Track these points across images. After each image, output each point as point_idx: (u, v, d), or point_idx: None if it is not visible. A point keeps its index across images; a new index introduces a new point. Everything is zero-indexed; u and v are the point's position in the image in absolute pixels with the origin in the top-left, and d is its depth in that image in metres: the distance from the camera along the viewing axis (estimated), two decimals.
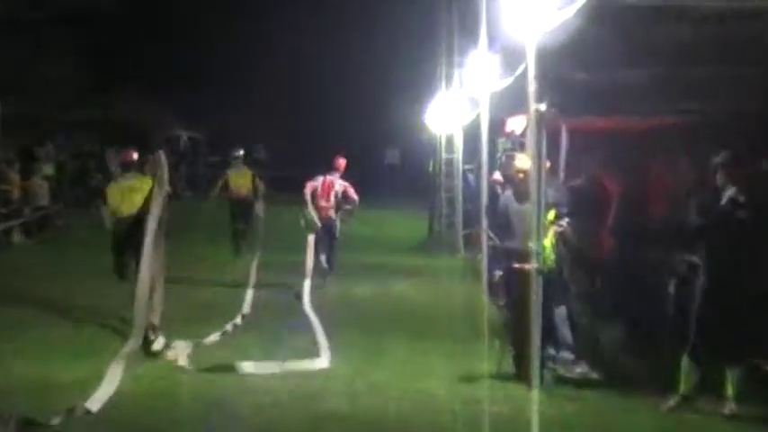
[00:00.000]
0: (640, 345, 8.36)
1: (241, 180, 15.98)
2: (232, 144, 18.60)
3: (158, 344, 8.72)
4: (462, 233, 16.47)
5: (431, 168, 20.64)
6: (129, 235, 9.52)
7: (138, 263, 8.98)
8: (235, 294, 11.77)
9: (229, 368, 7.94)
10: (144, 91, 29.26)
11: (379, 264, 15.30)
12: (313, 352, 8.59)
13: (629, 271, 9.04)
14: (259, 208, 15.90)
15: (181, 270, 12.24)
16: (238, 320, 10.12)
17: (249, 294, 11.82)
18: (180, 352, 8.52)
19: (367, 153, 31.15)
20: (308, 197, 12.95)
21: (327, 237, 12.99)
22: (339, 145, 16.20)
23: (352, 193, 13.09)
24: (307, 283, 12.25)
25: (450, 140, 18.21)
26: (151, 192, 9.25)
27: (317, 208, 12.89)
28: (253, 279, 12.99)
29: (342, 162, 13.21)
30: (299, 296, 11.73)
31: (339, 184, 13.02)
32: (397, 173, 34.04)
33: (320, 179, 13.00)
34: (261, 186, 16.18)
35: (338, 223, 13.15)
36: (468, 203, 15.76)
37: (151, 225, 8.97)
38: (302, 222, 12.91)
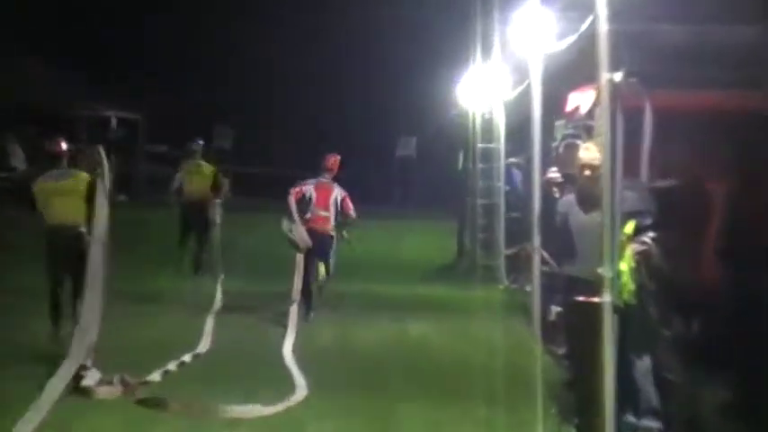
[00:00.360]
0: (755, 412, 8.31)
1: (197, 178, 16.54)
2: (183, 129, 18.71)
3: (90, 379, 9.06)
4: (505, 254, 16.41)
5: (460, 163, 20.58)
6: (67, 251, 9.91)
7: (77, 287, 9.39)
8: (190, 328, 11.97)
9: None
10: (55, 62, 29.44)
11: (391, 296, 15.39)
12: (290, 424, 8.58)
13: (743, 308, 8.98)
14: (216, 212, 16.48)
15: (123, 297, 12.41)
16: (187, 358, 10.37)
17: (209, 326, 12.16)
18: (112, 390, 8.96)
19: (371, 142, 31.27)
20: (294, 207, 13.38)
21: (320, 255, 13.56)
22: (333, 131, 16.32)
23: (349, 205, 13.64)
24: (292, 320, 12.47)
25: (488, 124, 18.20)
26: (92, 193, 9.64)
27: (311, 220, 13.42)
28: (216, 307, 13.34)
29: (334, 161, 13.76)
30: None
31: (338, 189, 13.61)
32: (411, 169, 34.10)
33: (311, 183, 13.58)
34: (225, 185, 16.86)
35: (334, 241, 13.67)
36: (514, 212, 15.91)
37: (97, 238, 9.46)
38: (289, 235, 13.49)
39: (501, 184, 17.04)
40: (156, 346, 10.95)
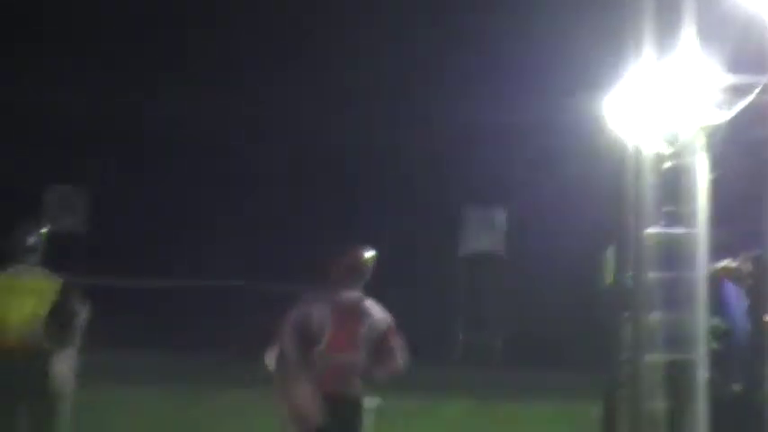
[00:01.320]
0: None
1: (18, 302, 9.27)
2: None
3: None
4: None
5: (609, 270, 11.04)
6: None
7: None
8: None
9: None
10: None
11: None
12: None
13: None
14: (63, 368, 9.28)
15: None
16: None
17: None
18: None
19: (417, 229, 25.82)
20: (291, 351, 8.40)
21: None
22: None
23: (396, 341, 8.53)
24: None
25: (671, 178, 8.72)
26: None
27: (323, 376, 8.31)
28: None
29: (366, 257, 8.68)
30: None
31: (375, 313, 8.51)
32: (491, 280, 23.46)
33: (321, 302, 8.48)
34: (78, 315, 9.62)
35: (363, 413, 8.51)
36: (736, 381, 9.39)
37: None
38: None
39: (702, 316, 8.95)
40: None
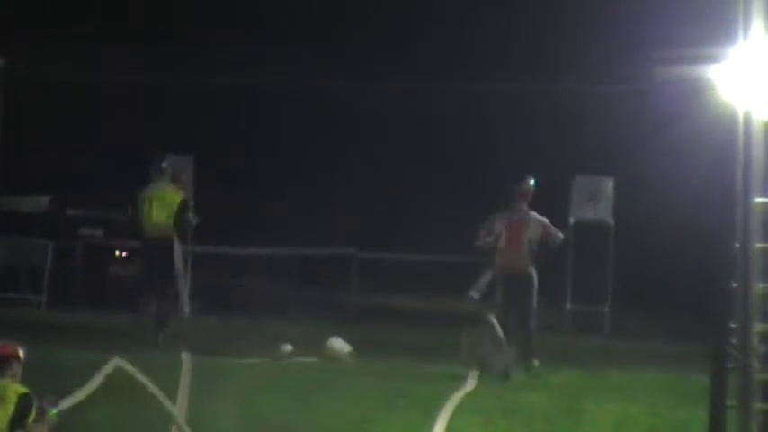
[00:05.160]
0: None
1: (158, 207, 15.74)
2: None
3: None
4: None
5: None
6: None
7: None
8: None
9: None
10: None
11: None
12: None
13: None
14: (178, 255, 15.89)
15: None
16: None
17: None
18: None
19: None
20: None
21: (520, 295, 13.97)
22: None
23: (552, 229, 14.14)
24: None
25: None
26: None
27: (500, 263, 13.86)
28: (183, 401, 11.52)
29: (531, 184, 14.01)
30: None
31: (535, 219, 13.92)
32: (599, 248, 22.43)
33: (499, 218, 13.92)
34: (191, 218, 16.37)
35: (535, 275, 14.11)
36: None
37: None
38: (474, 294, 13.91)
39: None
40: None
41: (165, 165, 16.16)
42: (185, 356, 14.98)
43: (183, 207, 16.08)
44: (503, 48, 27.44)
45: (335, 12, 29.04)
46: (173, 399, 12.26)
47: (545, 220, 14.34)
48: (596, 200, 22.04)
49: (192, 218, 16.63)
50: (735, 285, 8.90)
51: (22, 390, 8.76)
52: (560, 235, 14.29)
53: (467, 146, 28.62)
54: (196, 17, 28.73)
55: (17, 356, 9.05)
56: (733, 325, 8.90)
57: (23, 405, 8.68)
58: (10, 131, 21.62)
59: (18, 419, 8.68)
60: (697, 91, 10.69)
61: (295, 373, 14.89)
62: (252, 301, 21.37)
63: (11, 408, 8.67)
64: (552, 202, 20.41)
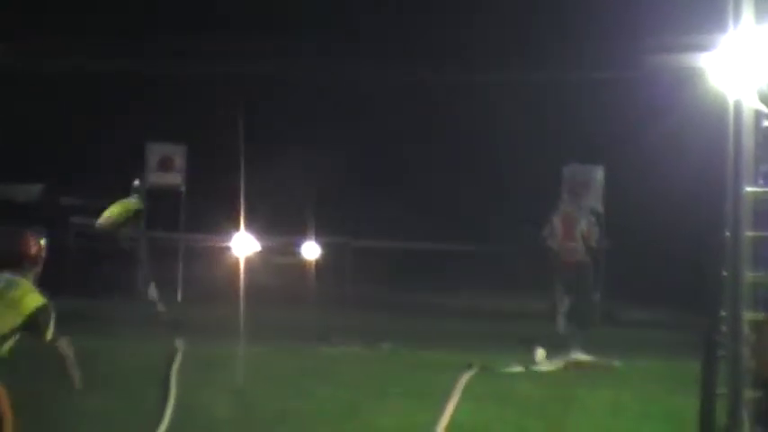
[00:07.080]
0: None
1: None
2: None
3: None
4: None
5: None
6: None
7: None
8: None
9: None
10: None
11: None
12: None
13: None
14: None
15: None
16: None
17: None
18: None
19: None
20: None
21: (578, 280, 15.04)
22: None
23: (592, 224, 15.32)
24: None
25: None
26: None
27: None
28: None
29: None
30: None
31: (585, 216, 15.30)
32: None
33: (556, 215, 15.15)
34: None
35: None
36: None
37: None
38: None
39: None
40: None
41: (136, 183, 19.94)
42: (179, 344, 15.00)
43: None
44: (491, 37, 27.49)
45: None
46: (165, 386, 12.25)
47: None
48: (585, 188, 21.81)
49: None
50: (725, 274, 8.88)
51: (39, 300, 8.08)
52: None
53: (456, 134, 28.74)
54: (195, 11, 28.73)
55: (28, 256, 8.30)
56: (723, 313, 8.89)
57: (38, 317, 7.95)
58: (4, 120, 21.65)
59: (32, 330, 7.90)
60: (687, 79, 10.63)
61: (287, 361, 14.87)
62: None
63: (19, 320, 7.94)
64: (544, 189, 20.53)
